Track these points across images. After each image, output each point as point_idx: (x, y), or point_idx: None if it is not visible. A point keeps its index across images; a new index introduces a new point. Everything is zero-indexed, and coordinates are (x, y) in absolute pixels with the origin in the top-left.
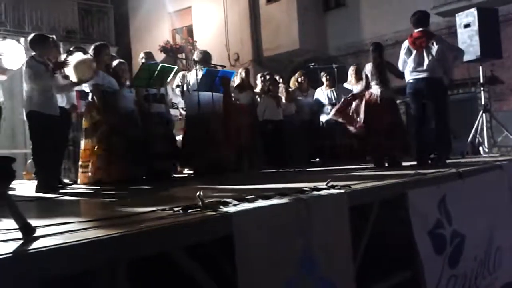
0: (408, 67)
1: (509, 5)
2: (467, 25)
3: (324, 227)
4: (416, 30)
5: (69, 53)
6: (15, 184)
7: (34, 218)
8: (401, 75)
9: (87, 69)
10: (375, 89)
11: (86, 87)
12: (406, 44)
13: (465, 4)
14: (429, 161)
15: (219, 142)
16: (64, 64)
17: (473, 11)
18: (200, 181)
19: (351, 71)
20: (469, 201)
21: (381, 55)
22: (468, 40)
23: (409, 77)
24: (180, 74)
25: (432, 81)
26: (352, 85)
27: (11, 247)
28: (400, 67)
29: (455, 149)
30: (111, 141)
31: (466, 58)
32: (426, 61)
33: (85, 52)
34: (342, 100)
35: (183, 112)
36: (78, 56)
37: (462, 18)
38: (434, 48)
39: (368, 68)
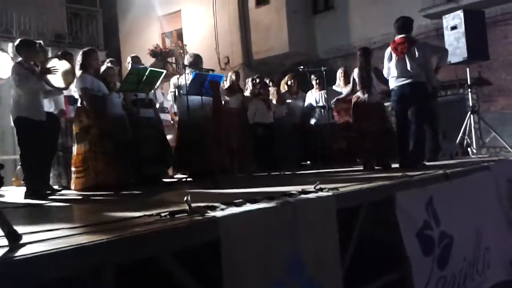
0: (391, 73)
1: (496, 7)
2: (453, 27)
3: (312, 230)
4: (398, 36)
5: (51, 58)
6: (4, 190)
7: (23, 224)
8: (386, 82)
9: (71, 76)
10: (361, 94)
11: (75, 92)
12: (388, 50)
13: (452, 6)
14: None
15: (209, 146)
16: (49, 71)
17: (460, 13)
18: (190, 186)
19: (339, 74)
20: (457, 202)
21: (367, 60)
22: (455, 42)
23: (393, 84)
24: (173, 78)
25: (415, 85)
26: (341, 88)
27: None
28: (384, 74)
29: (444, 150)
30: (103, 144)
31: (454, 60)
32: (408, 67)
33: (71, 57)
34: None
35: (175, 117)
36: (62, 64)
37: (449, 20)
38: (416, 54)
39: (356, 72)
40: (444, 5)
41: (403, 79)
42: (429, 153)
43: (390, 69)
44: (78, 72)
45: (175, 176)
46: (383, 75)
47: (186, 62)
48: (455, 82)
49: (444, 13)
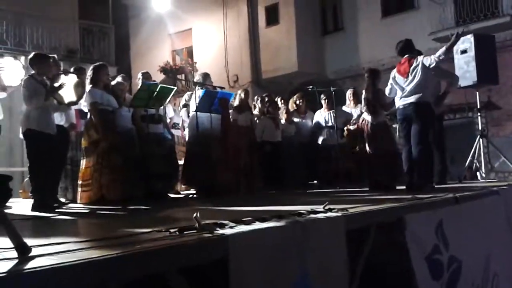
0: (397, 94)
1: (505, 32)
2: (464, 51)
3: (321, 250)
4: (403, 58)
5: (58, 76)
6: (11, 202)
7: (30, 237)
8: (385, 106)
9: (81, 88)
10: (367, 116)
11: (84, 107)
12: (394, 72)
13: (462, 30)
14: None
15: (217, 164)
16: (58, 88)
17: (470, 37)
18: (197, 202)
19: (349, 94)
20: (466, 227)
21: (374, 82)
22: (465, 66)
23: (398, 103)
24: (186, 94)
25: (418, 105)
26: (350, 108)
27: (5, 266)
28: (386, 92)
29: (453, 174)
30: (111, 158)
31: (463, 83)
32: (411, 86)
33: (83, 72)
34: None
35: (186, 132)
36: (70, 78)
37: (459, 44)
38: (419, 73)
39: (364, 94)
40: (453, 29)
41: (405, 98)
42: (437, 176)
43: (392, 89)
44: (88, 87)
45: (181, 192)
46: (383, 98)
47: (195, 80)
48: (464, 105)
49: None
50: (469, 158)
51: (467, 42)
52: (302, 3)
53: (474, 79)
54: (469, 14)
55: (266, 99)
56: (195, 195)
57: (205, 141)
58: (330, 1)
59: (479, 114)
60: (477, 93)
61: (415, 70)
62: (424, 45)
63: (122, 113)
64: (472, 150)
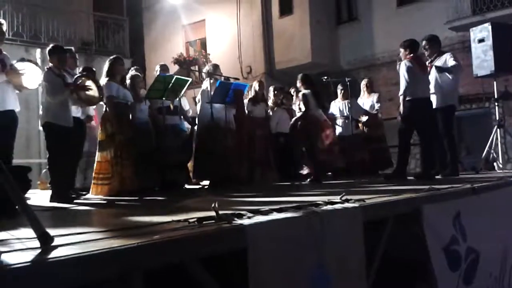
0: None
1: None
2: (481, 40)
3: (338, 241)
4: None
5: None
6: (29, 193)
7: (50, 227)
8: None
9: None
10: None
11: None
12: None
13: (479, 19)
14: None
15: (231, 155)
16: (84, 88)
17: (487, 26)
18: (214, 193)
19: (363, 85)
20: (484, 217)
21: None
22: (482, 55)
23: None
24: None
25: (412, 102)
26: (364, 99)
27: (29, 256)
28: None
29: (470, 165)
30: (128, 151)
31: (480, 73)
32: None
33: (93, 73)
34: None
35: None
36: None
37: (476, 33)
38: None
39: None
40: (469, 18)
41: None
42: (441, 168)
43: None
44: (104, 80)
45: (196, 183)
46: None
47: (205, 71)
48: (481, 95)
49: (470, 26)
50: (486, 148)
51: (484, 30)
52: None
53: (491, 69)
54: (486, 3)
55: (280, 90)
56: (209, 186)
57: (219, 132)
58: None
59: (496, 104)
60: (495, 82)
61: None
62: (440, 34)
63: (139, 106)
64: (489, 140)
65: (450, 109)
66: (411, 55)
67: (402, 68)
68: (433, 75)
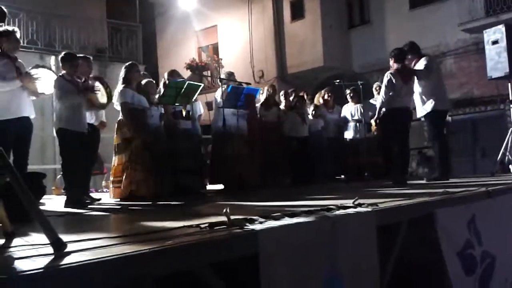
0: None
1: None
2: (495, 42)
3: (351, 246)
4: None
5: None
6: (44, 199)
7: (64, 233)
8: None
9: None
10: None
11: (117, 105)
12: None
13: (492, 21)
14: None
15: (244, 159)
16: (93, 89)
17: (501, 28)
18: (226, 198)
19: (375, 88)
20: (499, 221)
21: None
22: (496, 56)
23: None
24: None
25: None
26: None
27: (42, 262)
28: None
29: (485, 168)
30: (143, 155)
31: (495, 74)
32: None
33: (102, 81)
34: None
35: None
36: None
37: (490, 34)
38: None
39: None
40: (483, 20)
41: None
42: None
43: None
44: (120, 86)
45: (209, 188)
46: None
47: (221, 77)
48: (496, 97)
49: (484, 28)
50: (501, 151)
51: (498, 32)
52: None
53: (506, 70)
54: (500, 4)
55: (292, 94)
56: (222, 191)
57: (232, 136)
58: None
59: (511, 106)
60: (509, 84)
61: None
62: (453, 36)
63: (153, 112)
64: (504, 143)
65: (433, 114)
66: (397, 64)
67: (384, 80)
68: (415, 82)
